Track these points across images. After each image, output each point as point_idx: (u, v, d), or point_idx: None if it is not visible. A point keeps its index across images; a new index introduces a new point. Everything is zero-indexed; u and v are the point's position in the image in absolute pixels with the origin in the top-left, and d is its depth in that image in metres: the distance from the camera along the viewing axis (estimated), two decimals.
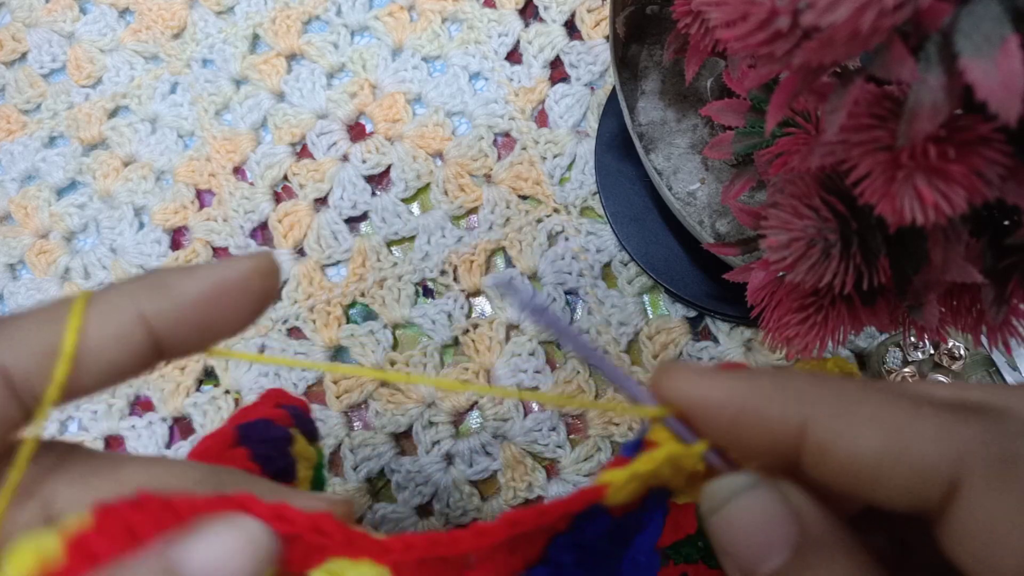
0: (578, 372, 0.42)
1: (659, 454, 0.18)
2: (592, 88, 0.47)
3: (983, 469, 0.15)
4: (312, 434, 0.31)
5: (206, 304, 0.18)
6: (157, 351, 0.18)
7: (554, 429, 0.42)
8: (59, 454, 0.18)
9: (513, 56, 0.49)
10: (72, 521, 0.16)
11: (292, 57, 0.50)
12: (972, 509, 0.15)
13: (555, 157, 0.46)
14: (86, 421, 0.44)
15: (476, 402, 0.43)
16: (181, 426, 0.44)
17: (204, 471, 0.19)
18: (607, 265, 0.44)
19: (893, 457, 0.15)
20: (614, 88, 0.40)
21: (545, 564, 0.21)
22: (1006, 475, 0.15)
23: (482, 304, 0.45)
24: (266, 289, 0.18)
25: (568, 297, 0.44)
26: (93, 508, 0.16)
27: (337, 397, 0.43)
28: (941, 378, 0.40)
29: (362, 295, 0.45)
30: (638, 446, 0.19)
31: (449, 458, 0.42)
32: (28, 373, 0.16)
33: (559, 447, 0.42)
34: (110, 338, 0.17)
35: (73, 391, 0.17)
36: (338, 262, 0.46)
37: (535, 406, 0.43)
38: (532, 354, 0.43)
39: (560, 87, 0.47)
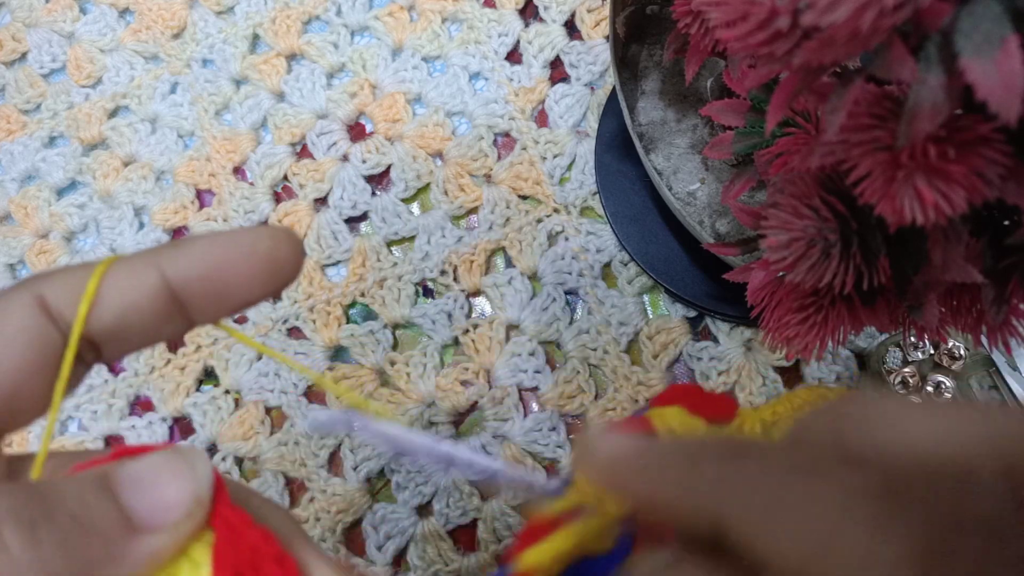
0: (578, 372, 0.42)
1: (574, 529, 0.17)
2: (592, 88, 0.47)
3: None
4: None
5: (226, 266, 0.18)
6: (181, 314, 0.18)
7: (554, 429, 0.42)
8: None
9: (513, 56, 0.49)
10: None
11: (292, 57, 0.50)
12: None
13: (555, 157, 0.46)
14: (86, 421, 0.44)
15: (476, 402, 0.43)
16: (181, 426, 0.44)
17: None
18: (607, 265, 0.44)
19: (818, 566, 0.13)
20: (614, 88, 0.40)
21: None
22: None
23: (482, 304, 0.45)
24: (287, 258, 0.18)
25: (568, 297, 0.44)
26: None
27: (337, 397, 0.43)
28: (941, 378, 0.40)
29: (362, 295, 0.45)
30: (564, 486, 0.19)
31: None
32: (61, 308, 0.17)
33: (559, 447, 0.42)
34: (131, 289, 0.17)
35: (101, 340, 0.18)
36: (338, 262, 0.46)
37: (535, 406, 0.43)
38: (532, 354, 0.43)
39: (560, 87, 0.47)
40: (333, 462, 0.43)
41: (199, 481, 0.17)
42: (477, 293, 0.45)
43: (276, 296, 0.19)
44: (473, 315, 0.45)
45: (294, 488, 0.42)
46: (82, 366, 0.18)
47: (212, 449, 0.44)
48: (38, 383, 0.17)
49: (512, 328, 0.44)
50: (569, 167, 0.46)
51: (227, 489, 0.18)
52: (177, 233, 0.48)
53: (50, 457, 0.18)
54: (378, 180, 0.47)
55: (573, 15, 0.49)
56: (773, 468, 0.14)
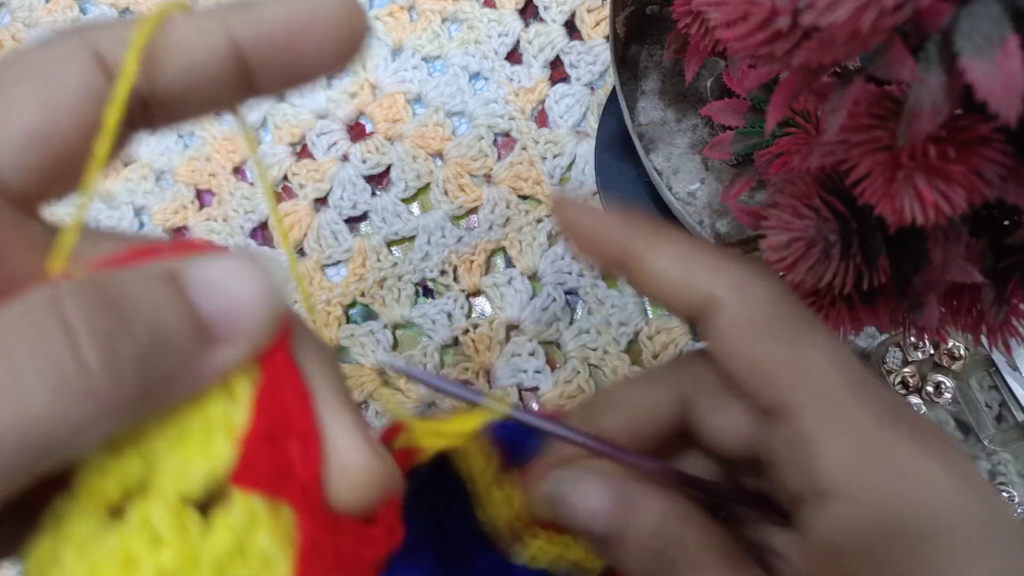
0: (578, 372, 0.42)
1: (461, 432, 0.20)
2: (592, 88, 0.47)
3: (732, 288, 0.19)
4: None
5: (300, 31, 0.16)
6: (246, 79, 0.16)
7: None
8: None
9: (513, 56, 0.49)
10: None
11: None
12: (735, 311, 0.19)
13: (555, 157, 0.46)
14: None
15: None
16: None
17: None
18: None
19: (683, 280, 0.20)
20: (614, 88, 0.40)
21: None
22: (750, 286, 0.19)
23: (482, 304, 0.45)
24: (358, 28, 0.17)
25: (568, 297, 0.44)
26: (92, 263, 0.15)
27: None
28: (941, 378, 0.40)
29: (362, 295, 0.45)
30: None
31: None
32: (118, 65, 0.15)
33: None
34: (196, 48, 0.16)
35: (156, 101, 0.16)
36: (338, 262, 0.46)
37: (535, 406, 0.43)
38: (532, 354, 0.43)
39: (560, 87, 0.47)
40: None
41: (275, 293, 0.15)
42: (477, 293, 0.45)
43: (340, 71, 0.17)
44: (473, 315, 0.45)
45: None
46: (129, 130, 0.16)
47: None
48: (89, 146, 0.15)
49: (512, 328, 0.44)
50: (569, 167, 0.46)
51: (293, 327, 0.16)
52: (177, 233, 0.48)
53: (88, 236, 0.15)
54: (378, 180, 0.47)
55: (573, 15, 0.49)
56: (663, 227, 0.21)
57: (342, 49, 0.17)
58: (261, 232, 0.47)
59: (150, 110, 0.16)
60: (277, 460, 0.15)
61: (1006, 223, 0.23)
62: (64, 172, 0.15)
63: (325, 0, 0.16)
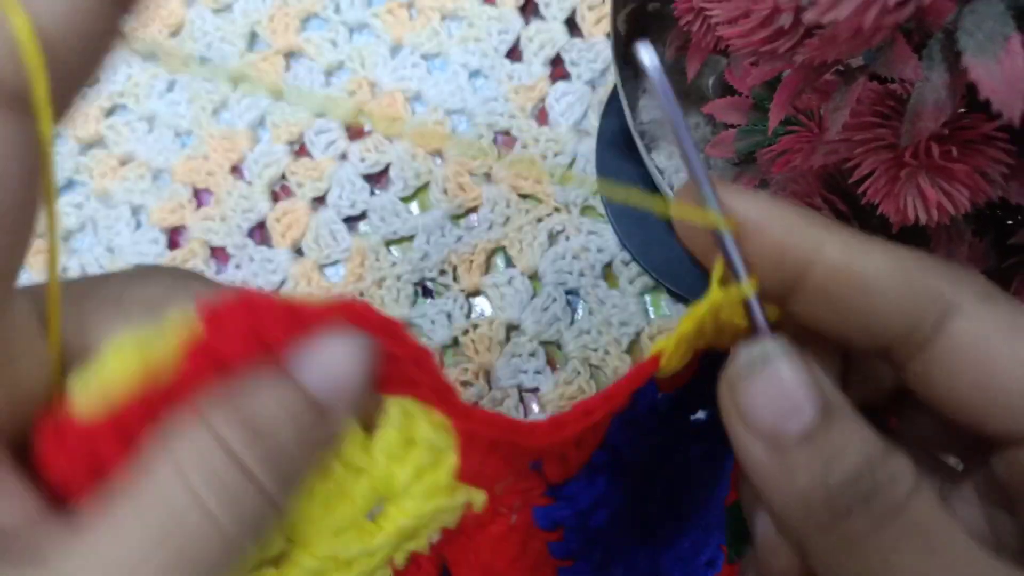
0: (579, 373, 0.42)
1: (700, 308, 0.18)
2: (593, 86, 0.47)
3: (974, 294, 0.17)
4: None
5: None
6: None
7: None
8: (169, 271, 0.18)
9: (513, 54, 0.48)
10: (176, 319, 0.14)
11: (290, 55, 0.50)
12: (967, 326, 0.16)
13: (556, 156, 0.46)
14: None
15: (476, 403, 0.43)
16: None
17: (193, 279, 0.18)
18: (608, 265, 0.44)
19: (900, 278, 0.17)
20: (615, 86, 0.40)
21: (603, 448, 0.21)
22: (994, 299, 0.17)
23: (482, 304, 0.45)
24: None
25: (569, 297, 0.44)
26: (202, 307, 0.15)
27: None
28: None
29: (361, 295, 0.45)
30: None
31: None
32: (12, 82, 0.13)
33: None
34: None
35: (61, 83, 0.13)
36: (336, 262, 0.46)
37: (535, 407, 0.42)
38: (532, 354, 0.43)
39: (561, 85, 0.47)
40: None
41: (370, 361, 0.17)
42: (477, 293, 0.45)
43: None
44: (473, 315, 0.44)
45: None
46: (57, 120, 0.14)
47: None
48: (24, 182, 0.14)
49: (512, 328, 0.44)
50: (570, 166, 0.46)
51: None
52: (175, 233, 0.47)
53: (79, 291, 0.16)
54: (377, 179, 0.47)
55: (574, 12, 0.48)
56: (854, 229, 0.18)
57: None
58: (259, 231, 0.47)
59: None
60: (406, 376, 0.18)
61: (1009, 222, 0.23)
62: (21, 230, 0.14)
63: None
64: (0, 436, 0.15)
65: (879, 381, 0.20)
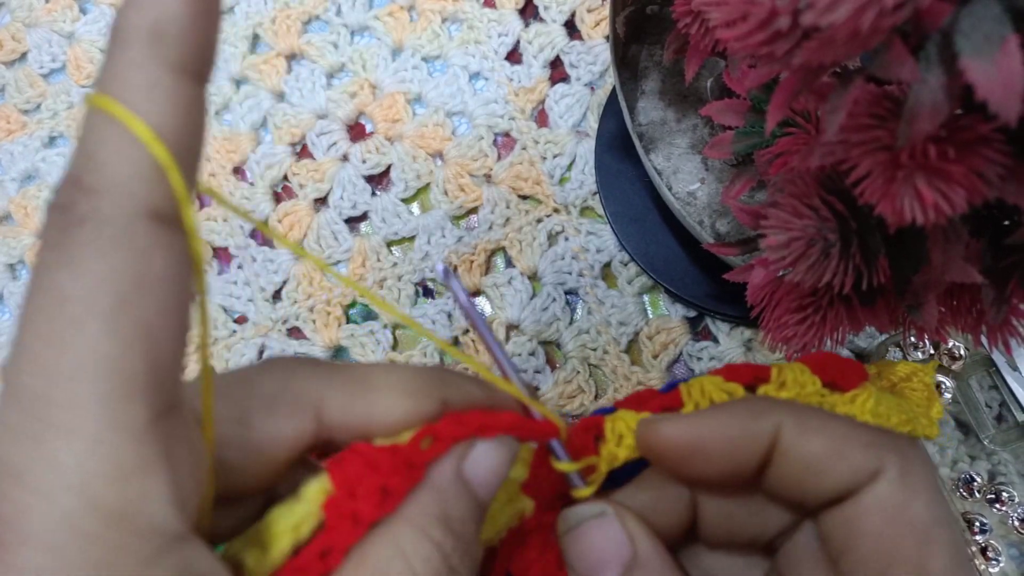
0: (578, 372, 0.42)
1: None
2: (592, 88, 0.47)
3: (896, 469, 0.21)
4: None
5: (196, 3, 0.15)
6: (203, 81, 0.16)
7: None
8: (300, 361, 0.21)
9: (513, 56, 0.49)
10: (316, 488, 0.18)
11: (292, 57, 0.50)
12: (882, 493, 0.20)
13: (555, 157, 0.46)
14: None
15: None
16: None
17: (431, 375, 0.22)
18: (607, 265, 0.44)
19: (837, 456, 0.21)
20: (614, 88, 0.40)
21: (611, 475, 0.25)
22: (911, 472, 0.21)
23: (482, 304, 0.45)
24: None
25: (568, 297, 0.44)
26: (330, 471, 0.18)
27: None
28: (941, 378, 0.40)
29: (362, 295, 0.45)
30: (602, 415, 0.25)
31: None
32: (166, 206, 0.15)
33: None
34: (180, 109, 0.15)
35: (191, 181, 0.16)
36: (338, 262, 0.46)
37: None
38: (532, 354, 0.43)
39: (560, 87, 0.47)
40: None
41: (512, 459, 0.21)
42: (477, 293, 0.45)
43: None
44: None
45: None
46: None
47: None
48: (188, 297, 0.16)
49: (512, 328, 0.44)
50: (569, 167, 0.46)
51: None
52: None
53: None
54: (378, 180, 0.47)
55: (573, 15, 0.49)
56: (800, 403, 0.23)
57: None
58: (261, 232, 0.47)
59: None
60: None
61: (1006, 223, 0.23)
62: (183, 336, 0.16)
63: None
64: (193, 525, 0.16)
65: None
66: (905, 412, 0.24)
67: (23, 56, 0.52)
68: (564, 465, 0.23)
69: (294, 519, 0.17)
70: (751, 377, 0.24)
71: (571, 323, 0.44)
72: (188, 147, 0.15)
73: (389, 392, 0.20)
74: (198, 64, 0.15)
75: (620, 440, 0.23)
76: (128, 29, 0.15)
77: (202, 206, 0.48)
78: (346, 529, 0.17)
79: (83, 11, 0.53)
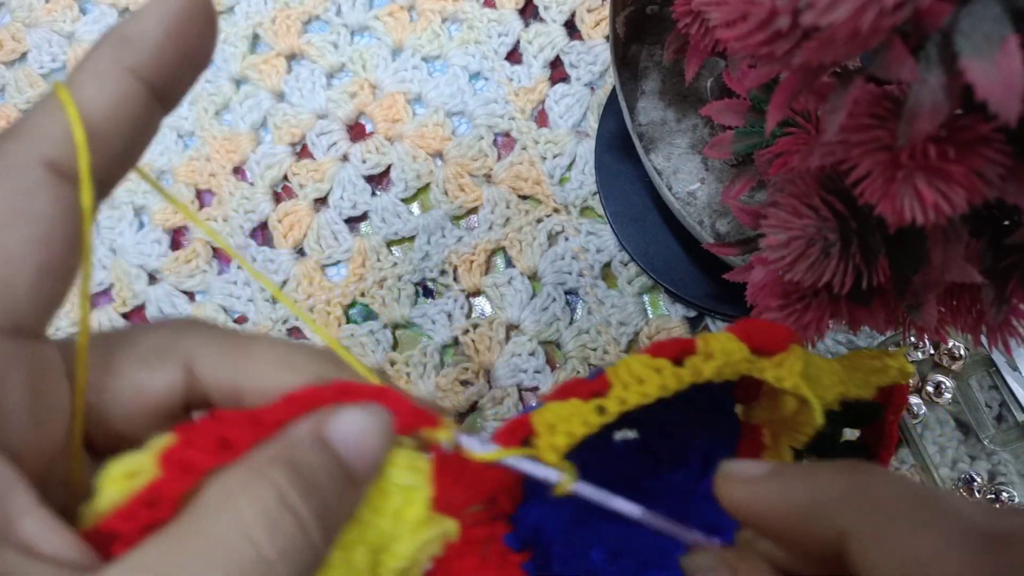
0: (578, 372, 0.42)
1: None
2: (592, 88, 0.47)
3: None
4: None
5: (176, 34, 0.18)
6: (158, 99, 0.18)
7: None
8: (185, 321, 0.20)
9: (513, 56, 0.49)
10: (159, 441, 0.17)
11: (292, 57, 0.50)
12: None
13: (555, 157, 0.46)
14: None
15: (476, 402, 0.43)
16: None
17: (315, 353, 0.21)
18: (607, 265, 0.44)
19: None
20: (614, 88, 0.40)
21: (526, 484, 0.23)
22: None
23: (482, 304, 0.45)
24: (210, 15, 0.18)
25: (568, 297, 0.44)
26: (175, 428, 0.17)
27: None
28: (941, 378, 0.40)
29: (362, 295, 0.45)
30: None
31: None
32: (67, 160, 0.17)
33: None
34: (116, 97, 0.17)
35: (106, 164, 0.17)
36: (338, 262, 0.46)
37: (534, 405, 0.43)
38: (532, 354, 0.43)
39: (560, 87, 0.47)
40: None
41: (389, 429, 0.19)
42: (477, 293, 0.45)
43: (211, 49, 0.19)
44: (473, 315, 0.45)
45: None
46: (102, 195, 0.18)
47: None
48: (69, 245, 0.17)
49: (512, 328, 0.44)
50: (569, 167, 0.46)
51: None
52: (177, 234, 0.48)
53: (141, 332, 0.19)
54: (378, 180, 0.47)
55: (573, 15, 0.49)
56: (885, 492, 0.18)
57: (213, 27, 0.18)
58: (261, 232, 0.47)
59: (106, 179, 0.18)
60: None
61: (1006, 223, 0.23)
62: (63, 285, 0.17)
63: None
64: (31, 473, 0.16)
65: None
66: (837, 374, 0.23)
67: (23, 56, 0.52)
68: (486, 455, 0.21)
69: (126, 468, 0.17)
70: (677, 350, 0.22)
71: (571, 323, 0.44)
72: (117, 129, 0.17)
73: (265, 362, 0.20)
74: (153, 75, 0.17)
75: (553, 429, 0.22)
76: (111, 33, 0.18)
77: (202, 206, 0.48)
78: (175, 477, 0.16)
79: (83, 11, 0.53)
